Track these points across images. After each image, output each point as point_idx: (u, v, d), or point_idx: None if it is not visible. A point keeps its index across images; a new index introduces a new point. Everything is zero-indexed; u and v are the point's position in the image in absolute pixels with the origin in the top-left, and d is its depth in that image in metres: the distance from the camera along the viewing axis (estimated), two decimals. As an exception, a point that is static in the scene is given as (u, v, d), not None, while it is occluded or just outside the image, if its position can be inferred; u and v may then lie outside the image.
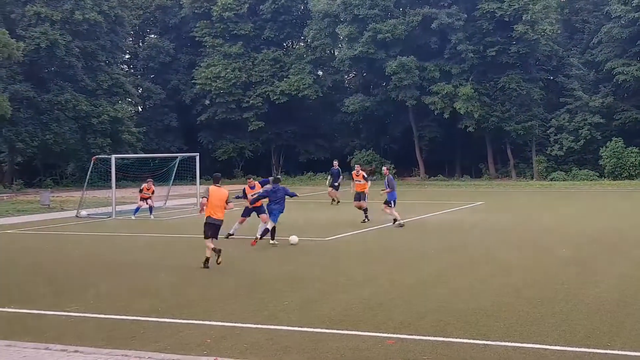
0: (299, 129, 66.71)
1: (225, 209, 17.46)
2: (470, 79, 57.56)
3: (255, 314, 11.80)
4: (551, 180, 54.85)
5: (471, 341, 9.94)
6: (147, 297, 13.39)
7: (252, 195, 21.97)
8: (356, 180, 28.46)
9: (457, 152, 64.76)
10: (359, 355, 9.39)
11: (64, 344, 10.15)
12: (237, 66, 64.42)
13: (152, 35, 73.99)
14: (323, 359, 9.29)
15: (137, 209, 31.38)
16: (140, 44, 73.61)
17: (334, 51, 68.71)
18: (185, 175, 38.94)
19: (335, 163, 37.13)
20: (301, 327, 10.89)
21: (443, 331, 10.47)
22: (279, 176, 25.89)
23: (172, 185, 38.15)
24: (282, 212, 21.18)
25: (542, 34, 55.42)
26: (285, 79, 63.57)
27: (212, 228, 17.29)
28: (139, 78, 70.03)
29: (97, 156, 37.91)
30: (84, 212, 32.79)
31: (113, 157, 33.82)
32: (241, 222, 22.51)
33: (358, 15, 57.93)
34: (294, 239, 20.83)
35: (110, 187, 33.15)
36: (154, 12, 71.34)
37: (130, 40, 70.17)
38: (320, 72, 68.77)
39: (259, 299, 12.99)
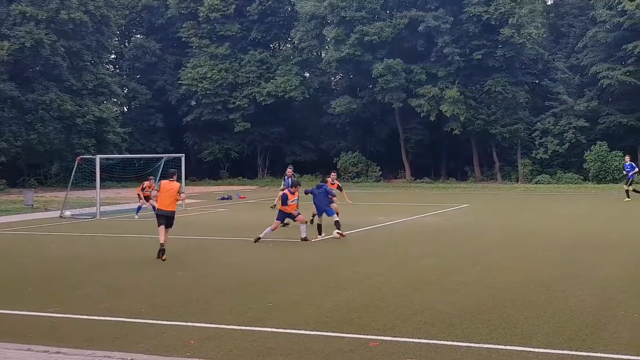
0: (285, 130, 66.75)
1: (177, 200, 19.12)
2: (456, 82, 57.77)
3: (239, 315, 11.75)
4: (536, 183, 55.10)
5: (454, 343, 9.93)
6: (130, 298, 13.31)
7: (292, 202, 22.22)
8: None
9: (443, 154, 64.98)
10: (342, 357, 9.37)
11: (47, 345, 10.07)
12: (224, 67, 64.42)
13: (138, 36, 73.93)
14: (306, 360, 9.27)
15: (139, 208, 31.48)
16: (126, 44, 73.47)
17: (320, 53, 68.85)
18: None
19: (289, 171, 36.09)
20: (285, 329, 10.85)
21: (426, 333, 10.46)
22: (317, 178, 26.15)
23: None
24: (326, 209, 22.58)
25: (528, 37, 55.70)
26: (271, 81, 63.62)
27: (164, 218, 18.74)
28: (125, 78, 69.90)
29: (81, 156, 37.74)
30: (68, 213, 32.66)
31: (98, 157, 33.66)
32: (274, 229, 21.90)
33: (345, 17, 58.03)
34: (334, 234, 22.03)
35: (94, 188, 32.99)
36: (140, 12, 71.28)
37: (116, 40, 70.01)
38: (306, 74, 68.89)
39: (243, 300, 12.95)
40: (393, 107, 59.31)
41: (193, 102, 66.47)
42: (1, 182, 54.06)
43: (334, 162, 63.40)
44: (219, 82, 63.66)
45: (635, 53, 52.24)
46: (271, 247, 20.81)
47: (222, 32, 65.32)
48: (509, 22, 54.88)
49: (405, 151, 62.99)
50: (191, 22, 66.34)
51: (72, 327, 11.30)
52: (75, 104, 56.50)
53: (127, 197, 44.89)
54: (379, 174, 61.84)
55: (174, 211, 19.04)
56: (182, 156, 37.60)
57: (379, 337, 10.25)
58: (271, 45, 71.24)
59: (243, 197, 44.70)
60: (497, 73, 57.94)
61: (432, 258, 18.19)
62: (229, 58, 65.34)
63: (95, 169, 32.71)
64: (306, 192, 23.40)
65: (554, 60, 62.58)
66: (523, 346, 9.72)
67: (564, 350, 9.52)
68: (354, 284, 14.52)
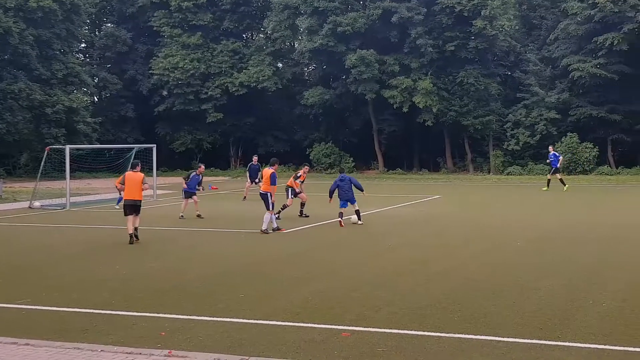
0: (258, 121, 66.53)
1: (142, 190, 20.11)
2: (429, 73, 57.89)
3: (210, 307, 11.73)
4: (507, 174, 55.42)
5: (426, 333, 9.98)
6: (100, 290, 13.23)
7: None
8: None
9: (416, 146, 65.14)
10: (314, 348, 9.38)
11: (15, 337, 9.99)
12: (196, 57, 64.07)
13: (109, 24, 73.21)
14: (278, 351, 9.26)
15: (120, 199, 31.30)
16: (97, 33, 72.72)
17: (293, 43, 68.68)
18: (141, 166, 38.58)
19: (255, 158, 36.43)
20: (257, 320, 10.85)
21: (398, 323, 10.50)
22: (343, 167, 27.46)
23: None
24: (350, 199, 23.56)
25: (501, 29, 55.94)
26: (244, 71, 63.37)
27: (131, 207, 19.73)
28: (95, 67, 69.21)
29: (50, 146, 37.41)
30: (37, 203, 32.39)
31: (67, 147, 33.34)
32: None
33: (318, 7, 57.92)
34: (354, 218, 23.51)
35: (64, 178, 32.71)
36: (110, 0, 70.61)
37: (86, 29, 69.29)
38: (279, 64, 68.67)
39: (214, 291, 12.92)
40: (366, 98, 59.32)
41: (165, 92, 66.05)
42: (-31, 173, 53.52)
43: (307, 153, 63.35)
44: (191, 72, 63.31)
45: (606, 45, 52.59)
46: (243, 238, 20.81)
47: (194, 22, 64.92)
48: (482, 13, 55.03)
49: (378, 142, 63.07)
50: (163, 11, 65.85)
51: (42, 319, 11.22)
52: (44, 94, 55.87)
53: (97, 187, 44.61)
54: (352, 165, 61.87)
55: (141, 200, 20.07)
56: (154, 147, 37.40)
57: (351, 328, 10.28)
58: (244, 35, 70.93)
59: (215, 188, 44.56)
60: (469, 65, 58.13)
61: (404, 249, 18.26)
62: (201, 48, 64.99)
63: (65, 159, 32.43)
64: (331, 190, 24.10)
65: (525, 52, 62.89)
66: (493, 336, 9.79)
67: (533, 339, 9.61)
68: (326, 275, 14.54)
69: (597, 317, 10.81)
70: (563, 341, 9.53)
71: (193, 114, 65.00)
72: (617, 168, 54.63)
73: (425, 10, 57.17)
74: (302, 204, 26.17)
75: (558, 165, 39.69)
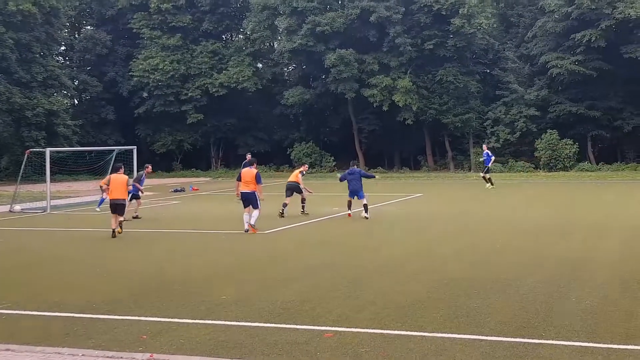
0: (238, 121, 66.42)
1: (127, 190, 22.09)
2: (408, 71, 58.03)
3: (192, 309, 11.67)
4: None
5: (408, 333, 9.98)
6: (81, 293, 13.15)
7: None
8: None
9: (396, 144, 65.26)
10: (296, 349, 9.36)
11: (-5, 342, 9.91)
12: (176, 58, 63.93)
13: (89, 27, 72.92)
14: (260, 353, 9.23)
15: (101, 200, 31.26)
16: (76, 36, 72.43)
17: (273, 43, 68.67)
18: (124, 169, 38.44)
19: (249, 156, 36.53)
20: (238, 321, 10.81)
21: (380, 323, 10.49)
22: (356, 160, 30.00)
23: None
24: (357, 193, 25.14)
25: (479, 27, 56.16)
26: (224, 71, 63.29)
27: (116, 207, 21.51)
28: (75, 70, 68.91)
29: (31, 149, 37.18)
30: (17, 207, 32.19)
31: (48, 150, 33.16)
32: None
33: (297, 7, 57.94)
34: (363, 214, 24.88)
35: (45, 181, 32.54)
36: (90, 3, 70.38)
37: (65, 32, 68.94)
38: (259, 65, 68.64)
39: (195, 293, 12.86)
40: (346, 97, 59.40)
41: (145, 94, 65.83)
42: (-51, 177, 53.10)
43: (288, 153, 63.37)
44: (171, 73, 63.17)
45: (584, 42, 52.94)
46: (224, 240, 20.75)
47: (173, 23, 64.76)
48: (460, 12, 55.22)
49: (358, 141, 63.18)
50: (142, 13, 65.64)
51: (22, 324, 11.13)
52: (24, 97, 55.57)
53: (78, 190, 44.38)
54: (333, 164, 61.95)
55: (125, 199, 22.17)
56: (134, 148, 37.17)
57: (333, 328, 10.26)
58: (223, 36, 70.83)
59: (196, 189, 44.45)
60: (448, 63, 58.33)
61: (385, 248, 18.26)
62: (180, 49, 64.86)
63: (45, 162, 32.25)
64: (341, 179, 26.44)
65: (504, 50, 63.23)
66: (476, 335, 9.80)
67: (516, 337, 9.62)
68: (308, 275, 14.52)
69: (580, 314, 10.85)
70: (546, 339, 9.55)
71: (173, 115, 64.85)
72: (597, 164, 55.01)
73: (404, 9, 57.32)
74: (303, 200, 26.79)
75: (490, 164, 40.35)
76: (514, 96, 57.99)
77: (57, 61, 66.97)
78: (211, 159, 68.74)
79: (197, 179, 58.06)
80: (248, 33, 65.55)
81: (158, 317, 11.19)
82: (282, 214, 25.68)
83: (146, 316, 11.26)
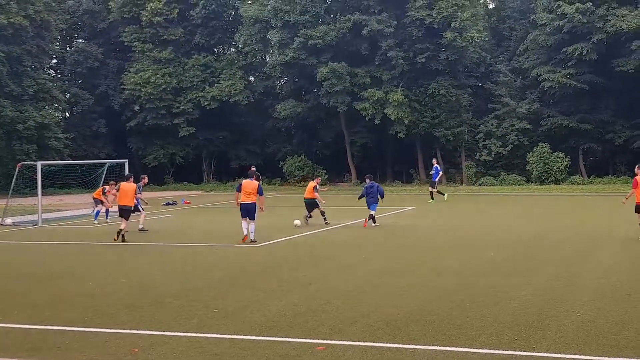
0: (230, 134, 66.35)
1: (135, 198, 24.47)
2: (400, 85, 58.06)
3: (184, 322, 11.65)
4: (480, 185, 55.64)
5: (400, 346, 9.98)
6: (73, 307, 13.12)
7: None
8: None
9: (388, 157, 65.29)
10: (288, 362, 9.35)
11: (-14, 356, 9.88)
12: (167, 71, 63.84)
13: (80, 40, 72.79)
14: (252, 366, 9.22)
15: (107, 212, 31.40)
16: (68, 49, 72.25)
17: (265, 57, 68.65)
18: (115, 182, 38.46)
19: (253, 168, 36.70)
20: (231, 334, 10.79)
21: (373, 336, 10.49)
22: (370, 175, 30.81)
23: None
24: (376, 204, 27.01)
25: (471, 41, 56.21)
26: (216, 85, 63.23)
27: (123, 212, 23.61)
28: (67, 83, 68.75)
29: (22, 163, 37.12)
30: (9, 220, 32.08)
31: (39, 163, 33.13)
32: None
33: (289, 21, 57.95)
34: (297, 222, 26.58)
35: (36, 195, 32.48)
36: (81, 16, 70.29)
37: (57, 45, 68.77)
38: (251, 78, 68.57)
39: (187, 306, 12.84)
40: (338, 111, 59.39)
41: (136, 107, 65.66)
42: (-61, 190, 52.83)
43: (280, 166, 63.34)
44: (163, 86, 63.05)
45: (575, 56, 53.11)
46: (216, 252, 20.73)
47: (165, 37, 64.69)
48: (452, 25, 55.31)
49: (351, 154, 63.17)
50: (134, 26, 65.57)
51: (14, 337, 11.09)
52: (15, 110, 55.41)
53: (69, 203, 44.27)
54: (325, 177, 61.86)
55: (131, 206, 24.07)
56: (126, 162, 37.21)
57: (326, 341, 10.26)
58: (215, 50, 70.78)
59: (188, 203, 44.38)
60: (440, 76, 58.40)
61: (378, 261, 18.27)
62: (172, 62, 64.80)
63: (37, 176, 32.19)
64: (360, 198, 28.06)
65: (496, 64, 63.37)
66: (467, 347, 9.81)
67: (507, 350, 9.63)
68: (300, 288, 14.51)
69: (571, 326, 10.87)
70: (538, 352, 9.57)
71: (165, 129, 64.73)
72: (589, 177, 55.10)
73: (396, 22, 57.43)
74: (322, 212, 27.90)
75: (437, 179, 40.76)
76: (505, 109, 58.08)
77: (49, 74, 66.84)
78: (203, 172, 68.61)
79: (189, 192, 58.00)
80: (240, 46, 65.55)
81: (150, 330, 11.17)
82: (307, 222, 27.63)
83: (138, 329, 11.24)
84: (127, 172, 36.01)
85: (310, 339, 10.43)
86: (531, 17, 58.52)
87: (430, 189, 41.14)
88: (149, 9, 63.16)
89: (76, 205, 42.50)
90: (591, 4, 52.02)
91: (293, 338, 10.51)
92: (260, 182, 23.63)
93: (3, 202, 34.55)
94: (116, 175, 37.62)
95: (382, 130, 59.81)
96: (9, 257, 20.92)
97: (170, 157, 66.28)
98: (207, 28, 65.66)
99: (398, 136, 58.09)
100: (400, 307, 12.39)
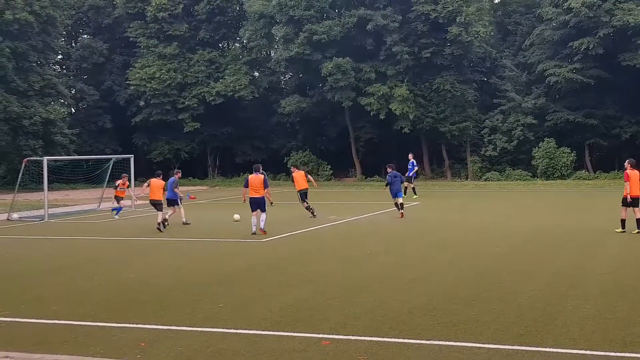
0: (235, 130, 66.42)
1: (162, 192, 26.34)
2: (405, 80, 58.01)
3: (190, 316, 11.68)
4: (485, 180, 55.60)
5: (406, 340, 9.98)
6: (79, 301, 13.15)
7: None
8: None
9: (393, 153, 65.19)
10: (294, 357, 9.36)
11: (-6, 350, 9.91)
12: (172, 67, 63.91)
13: (85, 36, 72.91)
14: (258, 361, 9.24)
15: (119, 209, 31.53)
16: (73, 45, 72.43)
17: (269, 52, 68.62)
18: (119, 177, 38.52)
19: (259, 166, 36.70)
20: (237, 329, 10.81)
21: (378, 331, 10.50)
22: (392, 164, 31.01)
23: (106, 187, 37.68)
24: (399, 192, 28.51)
25: (476, 36, 56.12)
26: (221, 80, 63.28)
27: (155, 205, 25.82)
28: (72, 79, 68.92)
29: (28, 158, 37.20)
30: (15, 215, 32.20)
31: (45, 159, 33.28)
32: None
33: (294, 16, 57.93)
34: (236, 216, 27.41)
35: (42, 190, 32.55)
36: (86, 12, 70.38)
37: (62, 41, 68.92)
38: (256, 73, 68.60)
39: (194, 301, 12.86)
40: (343, 106, 59.38)
41: (142, 103, 65.76)
42: (-54, 185, 52.99)
43: (285, 161, 63.33)
44: (168, 82, 63.13)
45: (582, 50, 52.97)
46: (222, 247, 20.75)
47: (170, 32, 64.76)
48: (457, 20, 55.25)
49: (355, 150, 63.15)
50: (139, 22, 65.65)
51: (21, 331, 11.13)
52: (21, 106, 55.53)
53: (75, 198, 44.35)
54: (330, 172, 61.93)
55: (161, 200, 26.02)
56: (131, 157, 37.30)
57: (331, 336, 10.26)
58: (220, 45, 70.81)
59: (193, 198, 44.32)
60: (445, 71, 58.34)
61: (383, 256, 18.26)
62: (177, 58, 64.86)
63: (43, 171, 32.30)
64: (387, 185, 29.02)
65: (501, 58, 63.26)
66: (473, 342, 9.80)
67: (513, 345, 9.63)
68: (305, 283, 14.52)
69: (578, 321, 10.86)
70: (544, 347, 9.56)
71: (170, 124, 64.81)
72: (594, 172, 54.99)
73: (401, 17, 57.36)
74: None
75: (411, 174, 39.52)
76: (511, 104, 57.96)
77: (54, 70, 66.98)
78: (208, 167, 68.71)
79: (194, 187, 58.03)
80: (245, 42, 65.55)
81: (156, 324, 11.20)
82: (314, 215, 28.41)
83: (144, 324, 11.26)
84: (132, 167, 36.43)
85: (315, 333, 10.44)
86: (537, 12, 58.42)
87: (406, 184, 38.84)
88: (153, 4, 63.23)
89: (82, 200, 42.57)
90: (597, -3, 51.87)
91: (299, 333, 10.52)
92: (265, 175, 23.73)
93: (10, 197, 34.65)
94: (122, 171, 37.74)
95: (387, 126, 59.76)
96: (16, 252, 20.97)
97: (175, 153, 66.37)
98: (211, 23, 65.71)
99: (403, 131, 58.05)
100: (405, 301, 12.39)
